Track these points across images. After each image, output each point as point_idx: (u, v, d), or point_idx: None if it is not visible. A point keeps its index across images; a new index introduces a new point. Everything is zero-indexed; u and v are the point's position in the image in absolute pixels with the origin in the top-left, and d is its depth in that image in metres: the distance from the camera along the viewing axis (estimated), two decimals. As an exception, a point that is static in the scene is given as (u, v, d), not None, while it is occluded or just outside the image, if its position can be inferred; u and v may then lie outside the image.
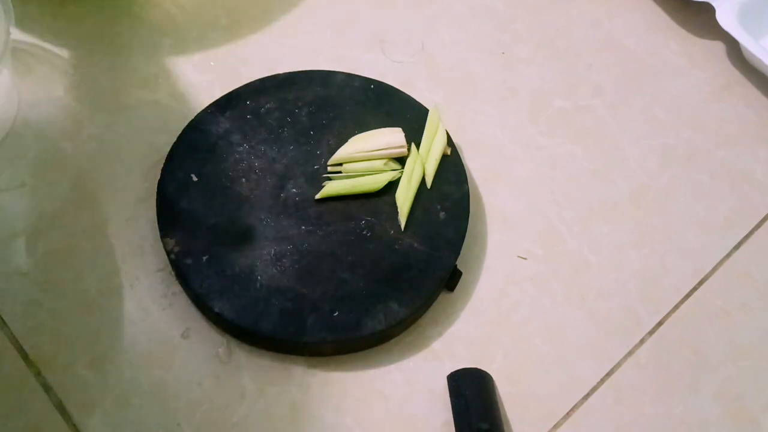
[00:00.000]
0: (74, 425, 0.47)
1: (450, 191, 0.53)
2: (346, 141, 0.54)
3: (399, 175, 0.53)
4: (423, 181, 0.53)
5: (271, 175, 0.53)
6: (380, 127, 0.55)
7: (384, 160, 0.53)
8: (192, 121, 0.54)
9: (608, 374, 0.51)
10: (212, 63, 0.61)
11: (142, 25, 0.62)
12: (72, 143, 0.56)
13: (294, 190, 0.52)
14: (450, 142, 0.55)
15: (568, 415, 0.50)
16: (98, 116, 0.57)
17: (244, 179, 0.52)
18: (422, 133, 0.55)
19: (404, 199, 0.52)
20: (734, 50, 0.66)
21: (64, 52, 0.60)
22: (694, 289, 0.55)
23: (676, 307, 0.54)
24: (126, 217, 0.53)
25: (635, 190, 0.59)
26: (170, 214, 0.51)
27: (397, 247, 0.51)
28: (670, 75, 0.65)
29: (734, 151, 0.61)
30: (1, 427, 0.46)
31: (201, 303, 0.49)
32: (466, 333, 0.52)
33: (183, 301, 0.51)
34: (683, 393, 0.51)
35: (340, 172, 0.53)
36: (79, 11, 0.62)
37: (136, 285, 0.51)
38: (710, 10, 0.64)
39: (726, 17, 0.62)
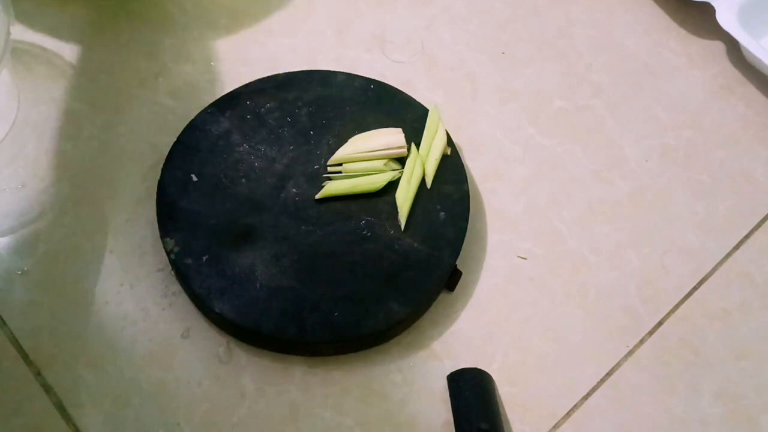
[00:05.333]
0: (74, 425, 0.47)
1: (450, 191, 0.53)
2: (346, 141, 0.54)
3: (399, 175, 0.53)
4: (423, 181, 0.53)
5: (271, 175, 0.53)
6: (380, 127, 0.55)
7: (384, 160, 0.53)
8: (192, 121, 0.54)
9: (608, 374, 0.51)
10: (212, 63, 0.61)
11: (142, 25, 0.62)
12: (72, 143, 0.56)
13: (294, 190, 0.52)
14: (450, 142, 0.55)
15: (568, 415, 0.50)
16: (98, 116, 0.57)
17: (244, 179, 0.52)
18: (422, 133, 0.55)
19: (404, 199, 0.52)
20: (734, 50, 0.66)
21: (64, 52, 0.60)
22: (694, 289, 0.55)
23: (676, 307, 0.54)
24: (126, 217, 0.53)
25: (635, 190, 0.59)
26: (170, 214, 0.51)
27: (397, 247, 0.51)
28: (670, 75, 0.65)
29: (734, 151, 0.61)
30: (1, 427, 0.46)
31: (201, 303, 0.49)
32: (466, 333, 0.52)
33: (183, 301, 0.51)
34: (683, 393, 0.51)
35: (340, 172, 0.53)
36: (78, 11, 0.62)
37: (136, 285, 0.51)
38: (710, 10, 0.64)
39: (726, 17, 0.62)
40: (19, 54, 0.59)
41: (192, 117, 0.55)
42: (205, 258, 0.49)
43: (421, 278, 0.50)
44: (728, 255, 0.56)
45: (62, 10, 0.62)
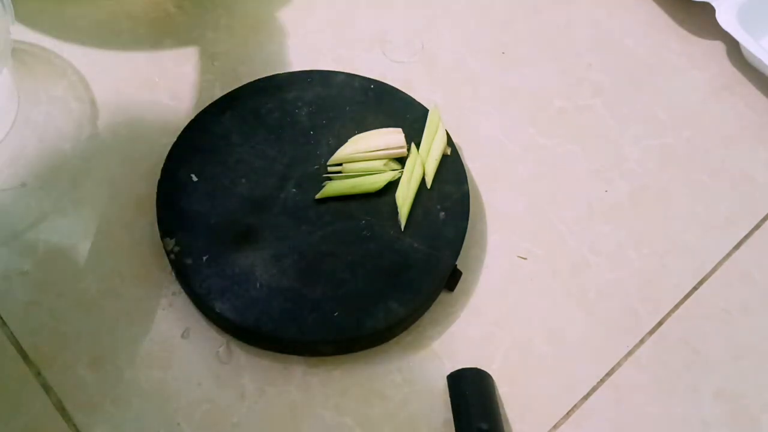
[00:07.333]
0: (74, 425, 0.47)
1: (450, 191, 0.53)
2: (346, 141, 0.54)
3: (399, 175, 0.53)
4: (423, 181, 0.53)
5: (271, 175, 0.53)
6: (380, 127, 0.55)
7: (384, 160, 0.53)
8: (192, 121, 0.54)
9: (608, 374, 0.51)
10: (212, 63, 0.61)
11: (142, 24, 0.62)
12: (72, 143, 0.56)
13: (294, 190, 0.52)
14: (450, 142, 0.55)
15: (568, 415, 0.50)
16: (98, 116, 0.57)
17: (244, 179, 0.52)
18: (422, 133, 0.55)
19: (404, 199, 0.52)
20: (734, 50, 0.66)
21: (64, 52, 0.60)
22: (694, 289, 0.55)
23: (676, 307, 0.54)
24: (126, 218, 0.53)
25: (635, 190, 0.59)
26: (170, 214, 0.51)
27: (397, 247, 0.51)
28: (670, 75, 0.65)
29: (734, 151, 0.61)
30: (1, 427, 0.46)
31: (201, 303, 0.49)
32: (466, 333, 0.52)
33: (183, 301, 0.51)
34: (683, 393, 0.51)
35: (340, 172, 0.53)
36: (78, 11, 0.62)
37: (136, 285, 0.51)
38: (710, 10, 0.64)
39: (726, 17, 0.63)
40: (19, 54, 0.59)
41: (192, 117, 0.55)
42: (205, 258, 0.49)
43: (421, 278, 0.50)
44: (728, 255, 0.56)
45: (62, 10, 0.62)
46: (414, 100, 0.57)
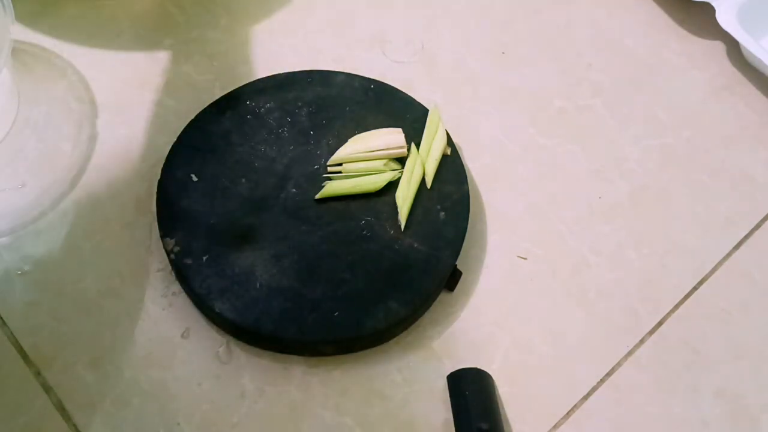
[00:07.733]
0: (74, 425, 0.47)
1: (450, 191, 0.53)
2: (346, 141, 0.54)
3: (399, 175, 0.53)
4: (423, 181, 0.53)
5: (271, 175, 0.53)
6: (380, 127, 0.55)
7: (384, 160, 0.53)
8: (192, 121, 0.54)
9: (608, 374, 0.51)
10: (212, 63, 0.61)
11: (142, 25, 0.62)
12: (72, 143, 0.56)
13: (294, 190, 0.52)
14: (450, 142, 0.55)
15: (568, 415, 0.50)
16: (98, 116, 0.57)
17: (244, 179, 0.52)
18: (422, 133, 0.55)
19: (404, 199, 0.52)
20: (734, 50, 0.66)
21: (64, 52, 0.60)
22: (694, 289, 0.55)
23: (676, 307, 0.54)
24: (126, 217, 0.53)
25: (635, 190, 0.59)
26: (170, 214, 0.51)
27: (397, 247, 0.51)
28: (670, 75, 0.65)
29: (734, 151, 0.61)
30: (1, 427, 0.46)
31: (201, 303, 0.49)
32: (466, 333, 0.52)
33: (183, 301, 0.51)
34: (683, 393, 0.51)
35: (340, 172, 0.53)
36: (79, 11, 0.62)
37: (136, 285, 0.51)
38: (710, 10, 0.64)
39: (726, 17, 0.63)
40: (19, 54, 0.59)
41: (192, 117, 0.55)
42: (205, 258, 0.49)
43: (421, 278, 0.50)
44: (728, 255, 0.56)
45: (62, 10, 0.62)
46: (414, 100, 0.57)
